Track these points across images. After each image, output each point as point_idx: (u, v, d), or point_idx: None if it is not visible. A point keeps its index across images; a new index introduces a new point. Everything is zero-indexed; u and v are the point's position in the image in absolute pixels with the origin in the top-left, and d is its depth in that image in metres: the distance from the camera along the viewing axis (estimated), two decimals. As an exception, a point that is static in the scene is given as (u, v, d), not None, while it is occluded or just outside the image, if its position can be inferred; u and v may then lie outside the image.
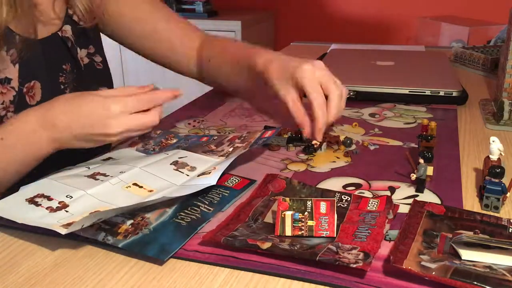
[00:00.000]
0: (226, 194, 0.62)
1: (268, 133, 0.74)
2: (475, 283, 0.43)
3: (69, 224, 0.51)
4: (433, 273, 0.44)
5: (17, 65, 0.76)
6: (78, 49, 0.88)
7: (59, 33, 0.84)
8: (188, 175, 0.65)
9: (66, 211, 0.56)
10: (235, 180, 0.65)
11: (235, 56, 0.87)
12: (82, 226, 0.50)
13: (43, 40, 0.81)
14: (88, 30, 0.89)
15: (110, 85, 0.96)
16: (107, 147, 0.78)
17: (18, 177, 0.68)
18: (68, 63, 0.85)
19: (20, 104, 0.77)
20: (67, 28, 0.85)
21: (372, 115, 0.93)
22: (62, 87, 0.84)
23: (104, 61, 0.94)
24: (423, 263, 0.46)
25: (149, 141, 0.80)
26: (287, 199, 0.54)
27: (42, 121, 0.66)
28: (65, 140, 0.66)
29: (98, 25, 0.93)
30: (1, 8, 0.70)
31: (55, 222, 0.53)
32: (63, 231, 0.49)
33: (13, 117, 0.69)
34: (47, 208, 0.56)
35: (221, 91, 1.01)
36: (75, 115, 0.65)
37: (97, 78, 0.92)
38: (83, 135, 0.65)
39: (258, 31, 2.92)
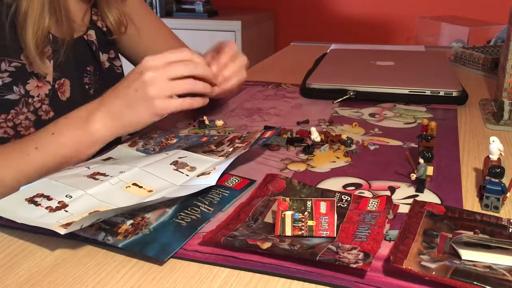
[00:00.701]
0: (226, 194, 0.62)
1: (268, 133, 0.74)
2: (475, 283, 0.43)
3: (68, 224, 0.51)
4: (433, 273, 0.44)
5: (52, 61, 0.82)
6: (100, 53, 0.93)
7: (85, 36, 0.90)
8: (188, 175, 0.65)
9: (66, 211, 0.56)
10: (235, 180, 0.65)
11: None
12: (81, 226, 0.50)
13: (73, 41, 0.86)
14: (109, 36, 0.95)
15: None
16: (113, 142, 0.79)
17: (80, 157, 0.72)
18: (91, 65, 0.91)
19: (53, 98, 0.82)
20: (92, 32, 0.91)
21: (372, 115, 0.93)
22: (87, 87, 0.90)
23: (122, 66, 1.00)
24: (423, 263, 0.46)
25: (149, 141, 0.80)
26: (287, 199, 0.54)
27: (91, 105, 0.73)
28: (114, 112, 0.71)
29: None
30: (43, 17, 0.76)
31: (55, 222, 0.53)
32: (62, 231, 0.49)
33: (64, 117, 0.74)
34: (46, 208, 0.56)
35: None
36: (117, 85, 0.74)
37: (116, 81, 0.96)
38: (125, 95, 0.71)
39: (258, 31, 2.92)
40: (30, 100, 0.78)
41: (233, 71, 0.83)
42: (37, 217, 0.54)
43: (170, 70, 0.70)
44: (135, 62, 1.06)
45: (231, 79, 0.84)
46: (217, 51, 0.85)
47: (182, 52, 0.73)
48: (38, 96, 0.80)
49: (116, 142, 0.80)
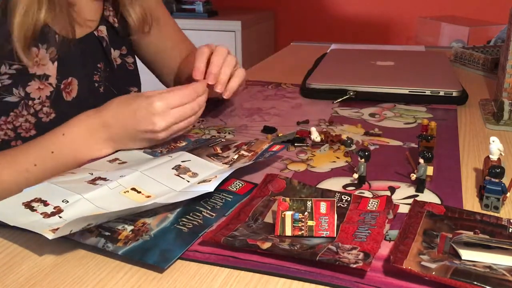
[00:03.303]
0: (230, 199, 0.61)
1: (276, 148, 0.73)
2: (475, 283, 0.43)
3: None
4: (433, 273, 0.44)
5: (55, 63, 0.80)
6: (112, 49, 0.91)
7: (95, 32, 0.87)
8: (188, 181, 0.64)
9: (60, 217, 0.54)
10: (238, 185, 0.65)
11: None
12: (71, 231, 0.49)
13: (80, 39, 0.84)
14: (120, 32, 0.92)
15: (138, 86, 1.00)
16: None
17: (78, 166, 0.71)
18: (102, 62, 0.89)
19: (56, 100, 0.81)
20: (103, 28, 0.89)
21: (372, 115, 0.93)
22: (97, 85, 0.88)
23: (135, 62, 0.98)
24: (423, 263, 0.46)
25: None
26: (287, 199, 0.54)
27: (94, 124, 0.71)
28: (118, 140, 0.71)
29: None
30: (40, 8, 0.73)
31: (46, 227, 0.52)
32: (50, 236, 0.48)
33: (63, 126, 0.72)
34: (41, 214, 0.55)
35: None
36: (124, 115, 0.70)
37: (128, 78, 0.96)
38: (133, 134, 0.70)
39: (258, 31, 2.92)
40: (30, 102, 0.77)
41: (227, 74, 0.82)
42: (30, 222, 0.53)
43: (178, 116, 0.71)
44: (145, 61, 1.04)
45: (232, 81, 0.83)
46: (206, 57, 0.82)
47: (188, 91, 0.72)
48: (39, 98, 0.78)
49: None
